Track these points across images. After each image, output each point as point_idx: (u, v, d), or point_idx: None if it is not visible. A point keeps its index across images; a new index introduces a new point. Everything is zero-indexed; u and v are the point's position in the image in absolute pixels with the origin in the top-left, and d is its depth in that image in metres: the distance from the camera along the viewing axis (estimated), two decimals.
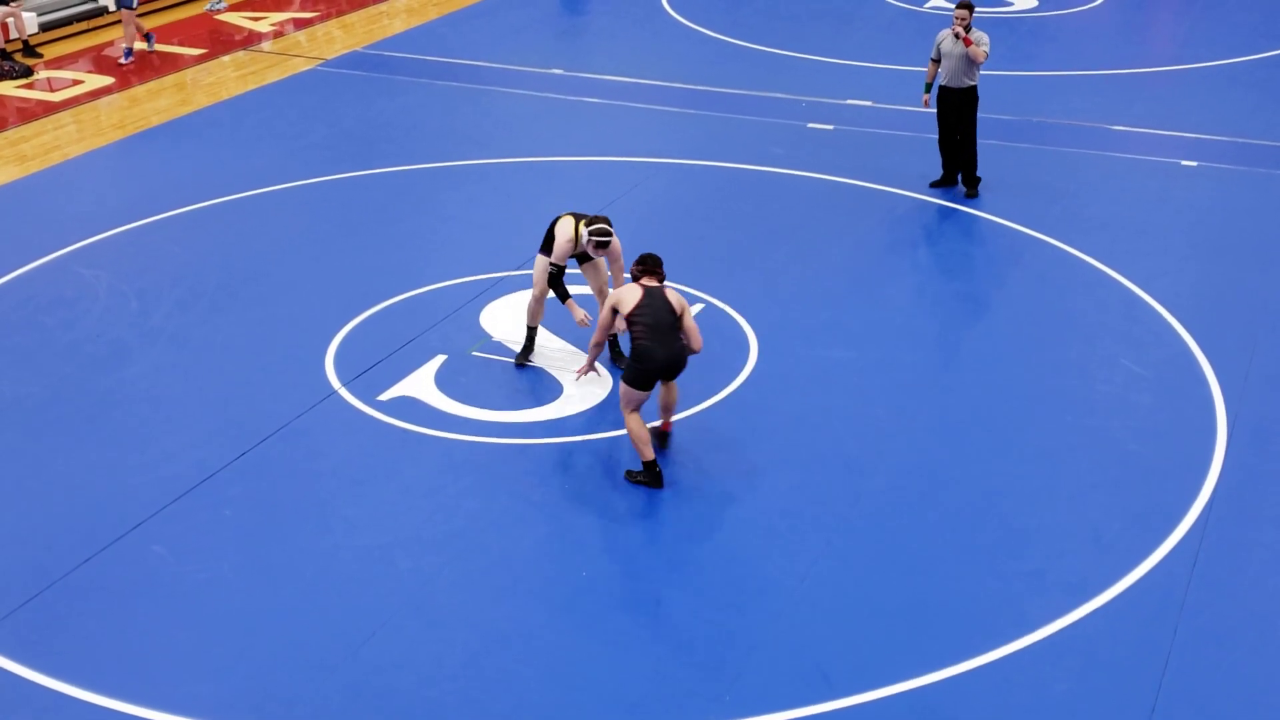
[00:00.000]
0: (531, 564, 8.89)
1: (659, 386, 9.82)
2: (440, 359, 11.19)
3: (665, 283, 9.73)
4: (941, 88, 14.13)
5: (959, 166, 14.41)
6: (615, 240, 10.55)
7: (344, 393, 10.75)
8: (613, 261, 10.70)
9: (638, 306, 9.44)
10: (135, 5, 19.04)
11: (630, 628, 8.27)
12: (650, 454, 9.53)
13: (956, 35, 13.85)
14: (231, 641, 8.18)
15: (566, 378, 10.96)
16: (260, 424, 10.32)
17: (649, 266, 9.69)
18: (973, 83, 14.07)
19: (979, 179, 14.40)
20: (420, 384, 10.86)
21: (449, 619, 8.36)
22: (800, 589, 8.58)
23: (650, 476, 9.55)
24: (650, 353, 9.36)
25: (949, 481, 9.65)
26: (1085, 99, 17.38)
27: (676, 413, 10.26)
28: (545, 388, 10.86)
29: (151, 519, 9.27)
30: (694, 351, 9.63)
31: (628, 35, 20.46)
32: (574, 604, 8.49)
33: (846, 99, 17.30)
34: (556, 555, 8.98)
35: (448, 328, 11.66)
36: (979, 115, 14.31)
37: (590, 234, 10.28)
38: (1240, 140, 15.74)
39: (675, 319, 9.46)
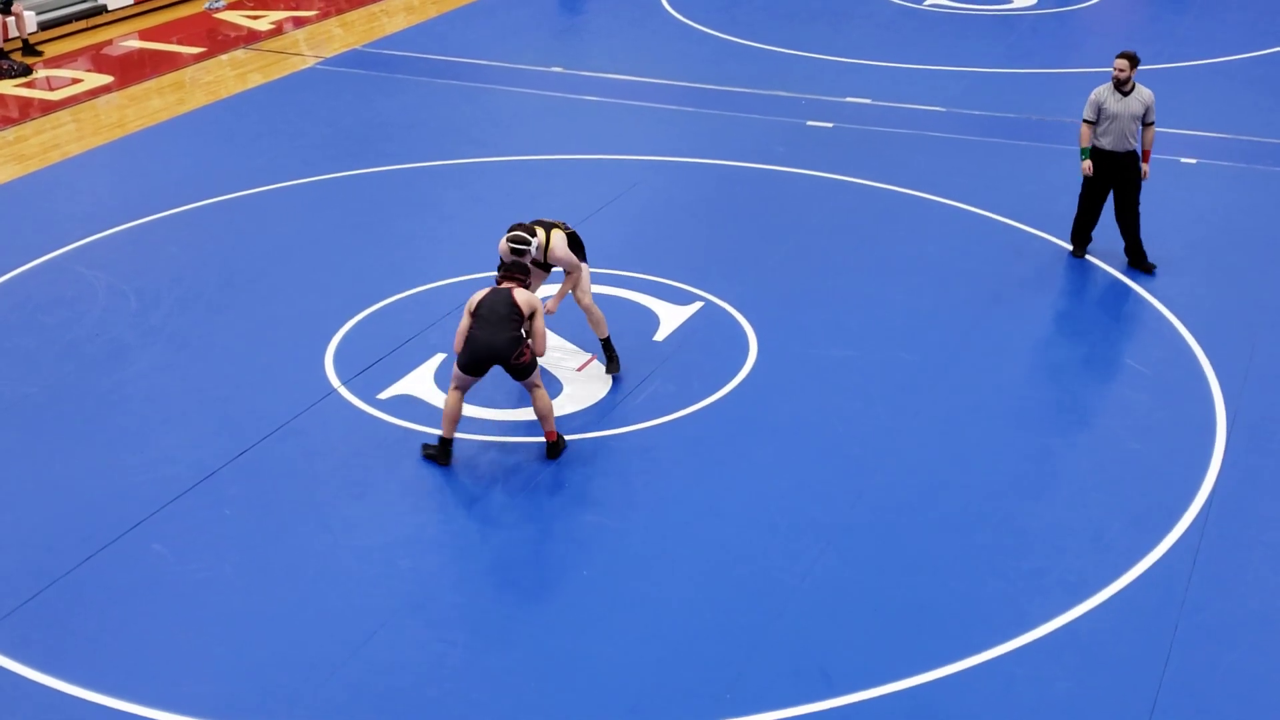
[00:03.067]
0: (531, 563, 8.89)
1: (530, 393, 9.85)
2: (440, 357, 11.19)
3: (519, 288, 9.69)
4: (1100, 151, 12.31)
5: (1128, 241, 12.55)
6: (555, 246, 10.37)
7: (343, 391, 10.74)
8: (564, 268, 10.53)
9: (479, 303, 9.64)
10: None
11: (631, 627, 8.27)
12: (449, 432, 9.75)
13: (1119, 88, 12.16)
14: (232, 641, 8.18)
15: (565, 376, 10.96)
16: (260, 423, 10.31)
17: (507, 272, 9.81)
18: (1137, 144, 12.37)
19: (1143, 249, 12.56)
20: (420, 383, 10.86)
21: (449, 619, 8.36)
22: (801, 588, 8.58)
23: (440, 453, 9.78)
24: (472, 339, 9.55)
25: (949, 480, 9.65)
26: (1085, 96, 17.25)
27: (653, 418, 10.26)
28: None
29: (151, 518, 9.27)
30: (538, 354, 9.74)
31: (627, 33, 20.45)
32: (574, 603, 8.49)
33: (846, 97, 17.29)
34: (556, 554, 8.98)
35: (447, 326, 11.65)
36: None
37: (507, 241, 10.10)
38: (1240, 137, 15.73)
39: (509, 314, 9.53)
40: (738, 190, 14.64)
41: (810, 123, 16.44)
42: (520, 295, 9.64)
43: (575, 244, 10.68)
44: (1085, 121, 12.34)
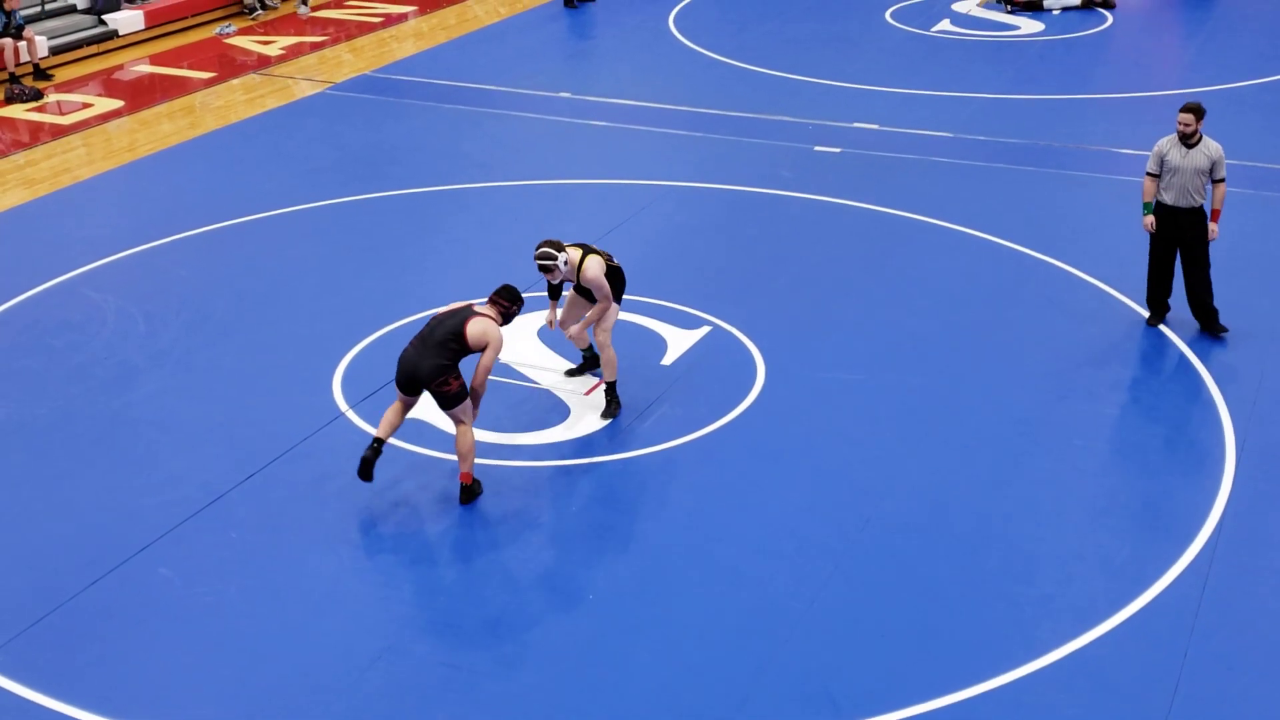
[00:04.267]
0: (538, 587, 8.87)
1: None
2: None
3: (484, 318, 9.47)
4: (1163, 206, 11.69)
5: (1192, 303, 11.90)
6: (588, 268, 10.28)
7: (351, 415, 10.74)
8: (595, 294, 10.43)
9: (431, 319, 9.56)
10: None
11: (636, 651, 8.24)
12: (381, 433, 9.48)
13: (1184, 141, 11.47)
14: (237, 664, 8.16)
15: (574, 400, 10.95)
16: (267, 446, 10.32)
17: (495, 297, 9.65)
18: (1203, 202, 11.65)
19: (1216, 311, 11.87)
20: (427, 407, 10.85)
21: (455, 642, 8.34)
22: (808, 612, 8.55)
23: (366, 454, 9.47)
24: (403, 356, 9.45)
25: (957, 505, 9.63)
26: (1092, 123, 17.39)
27: (660, 442, 10.25)
28: (552, 410, 10.85)
29: (158, 541, 9.26)
30: (475, 389, 9.50)
31: (635, 59, 20.52)
32: (580, 628, 8.47)
33: (853, 122, 17.33)
34: (562, 578, 8.96)
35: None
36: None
37: (535, 254, 10.27)
38: (1248, 163, 15.72)
39: (447, 341, 9.29)
40: (745, 215, 14.66)
41: (817, 148, 16.47)
42: (474, 327, 9.33)
43: (614, 278, 10.58)
44: (1148, 174, 11.72)
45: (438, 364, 9.28)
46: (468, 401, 9.46)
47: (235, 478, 9.95)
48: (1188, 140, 11.48)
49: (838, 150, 16.38)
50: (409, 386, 9.45)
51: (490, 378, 11.20)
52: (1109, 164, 15.94)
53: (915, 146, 16.44)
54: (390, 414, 9.62)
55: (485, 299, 9.81)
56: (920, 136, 16.72)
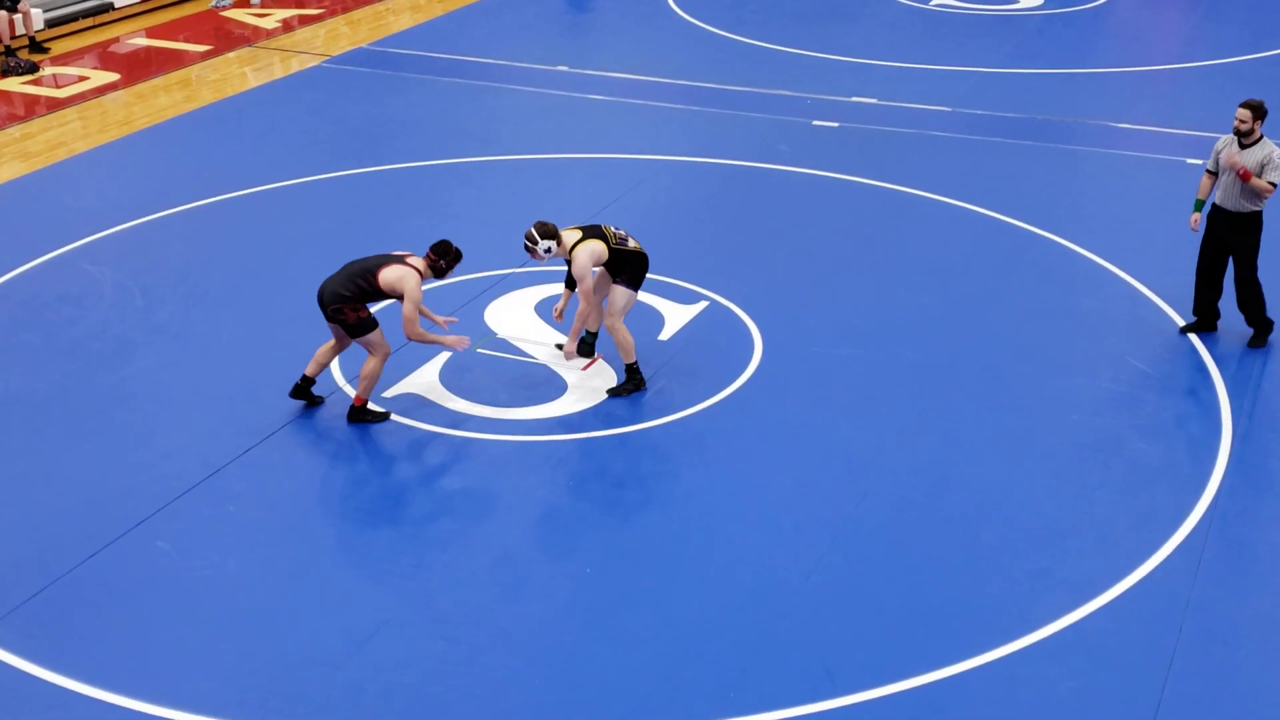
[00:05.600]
0: (535, 561, 8.89)
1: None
2: (445, 355, 11.19)
3: (407, 267, 9.91)
4: (1214, 205, 11.21)
5: (1244, 310, 11.35)
6: (576, 255, 10.16)
7: (348, 389, 10.74)
8: (575, 277, 10.33)
9: (371, 256, 10.16)
10: None
11: (634, 625, 8.27)
12: (307, 372, 10.34)
13: (1240, 139, 10.91)
14: (235, 638, 8.18)
15: (571, 375, 10.96)
16: (264, 420, 10.32)
17: (430, 253, 10.05)
18: (1254, 208, 10.99)
19: (1270, 324, 11.33)
20: (425, 381, 10.86)
21: (452, 616, 8.36)
22: (805, 587, 8.58)
23: (297, 388, 10.40)
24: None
25: (954, 480, 9.65)
26: (1090, 97, 17.36)
27: (658, 417, 10.27)
28: (549, 384, 10.85)
29: (155, 515, 9.27)
30: (407, 336, 10.00)
31: (633, 32, 20.46)
32: (578, 601, 8.49)
33: (852, 96, 17.29)
34: (560, 552, 8.98)
35: (453, 325, 11.65)
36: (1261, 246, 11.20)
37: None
38: None
39: (358, 276, 9.88)
40: (743, 190, 14.64)
41: (816, 122, 16.44)
42: (389, 273, 9.82)
43: (626, 262, 10.35)
44: (1206, 171, 11.27)
45: (336, 293, 9.90)
46: (374, 335, 10.03)
47: (232, 451, 9.95)
48: (1242, 139, 10.93)
49: (836, 125, 16.35)
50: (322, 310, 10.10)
51: (491, 352, 11.23)
52: (1107, 139, 15.92)
53: (913, 121, 16.40)
54: (321, 351, 10.36)
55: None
56: (919, 111, 16.69)
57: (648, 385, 10.73)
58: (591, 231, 10.36)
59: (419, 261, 10.04)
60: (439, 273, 10.08)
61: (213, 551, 8.92)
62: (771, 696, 7.69)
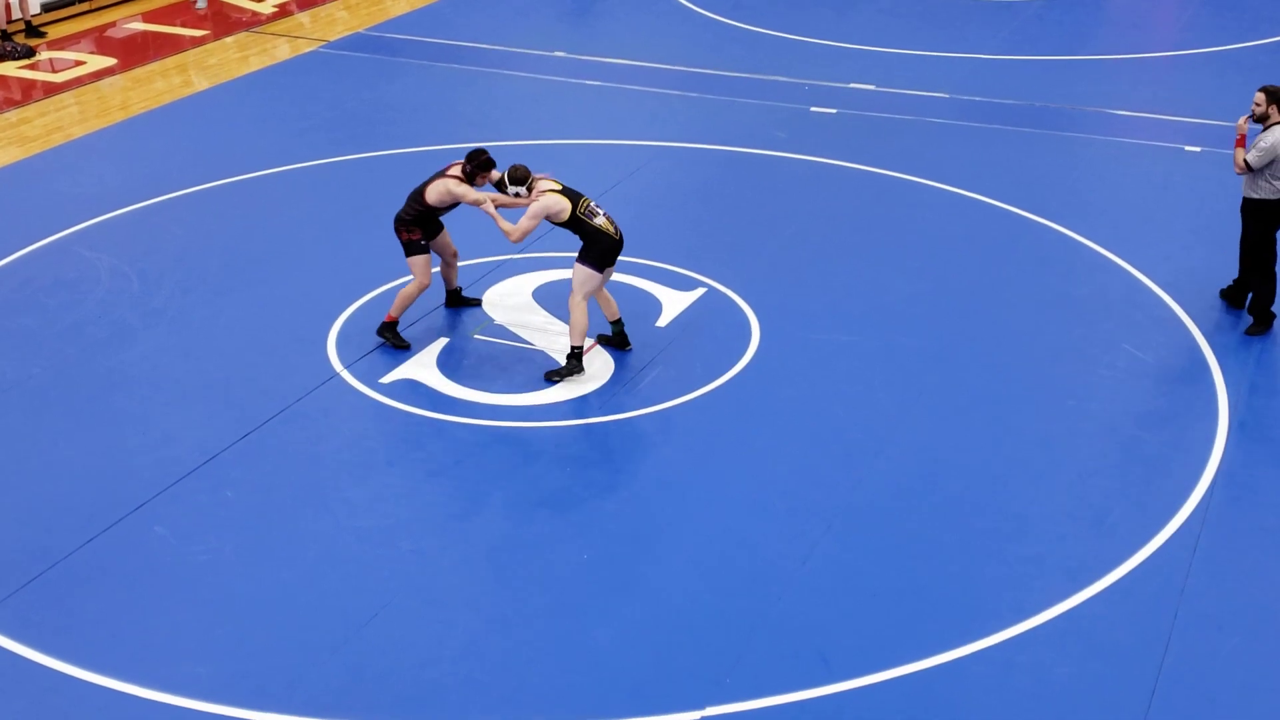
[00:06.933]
0: (532, 546, 8.90)
1: None
2: (442, 342, 11.20)
3: (450, 178, 10.83)
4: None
5: (1248, 286, 11.40)
6: (534, 196, 10.50)
7: (346, 375, 10.75)
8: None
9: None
10: None
11: (631, 611, 8.29)
12: (449, 287, 11.60)
13: (1255, 119, 10.93)
14: (233, 622, 8.20)
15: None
16: (262, 406, 10.33)
17: (466, 164, 10.81)
18: (1254, 195, 10.97)
19: (1273, 316, 11.29)
20: (422, 367, 10.87)
21: (450, 601, 8.38)
22: (800, 572, 8.59)
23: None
24: None
25: (950, 465, 9.66)
26: (1088, 83, 17.34)
27: (655, 403, 10.29)
28: (546, 370, 10.85)
29: (153, 500, 9.29)
30: (508, 235, 10.61)
31: (630, 18, 20.41)
32: (575, 587, 8.51)
33: (849, 82, 17.27)
34: (557, 538, 8.99)
35: (450, 311, 11.66)
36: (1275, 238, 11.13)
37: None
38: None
39: (410, 200, 10.92)
40: (740, 176, 14.63)
41: (813, 108, 16.42)
42: (430, 191, 10.77)
43: (586, 235, 10.31)
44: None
45: (399, 216, 10.97)
46: (417, 260, 10.93)
47: (230, 437, 9.96)
48: (1260, 122, 10.95)
49: (834, 111, 16.33)
50: None
51: (489, 339, 11.24)
52: (1105, 125, 15.90)
53: (911, 107, 16.39)
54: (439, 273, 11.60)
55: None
56: (917, 97, 16.67)
57: (645, 370, 10.74)
58: (569, 192, 10.44)
59: (456, 170, 10.88)
60: (469, 178, 10.78)
61: (210, 536, 8.94)
62: (767, 682, 7.71)
